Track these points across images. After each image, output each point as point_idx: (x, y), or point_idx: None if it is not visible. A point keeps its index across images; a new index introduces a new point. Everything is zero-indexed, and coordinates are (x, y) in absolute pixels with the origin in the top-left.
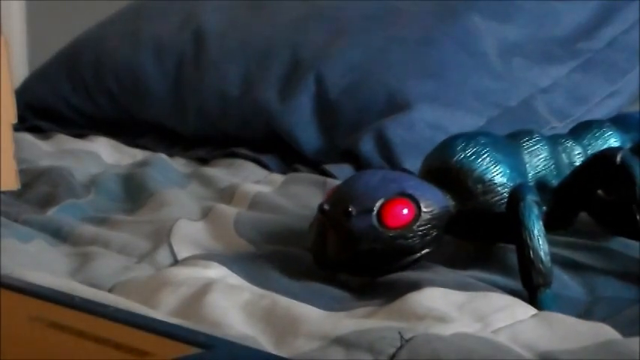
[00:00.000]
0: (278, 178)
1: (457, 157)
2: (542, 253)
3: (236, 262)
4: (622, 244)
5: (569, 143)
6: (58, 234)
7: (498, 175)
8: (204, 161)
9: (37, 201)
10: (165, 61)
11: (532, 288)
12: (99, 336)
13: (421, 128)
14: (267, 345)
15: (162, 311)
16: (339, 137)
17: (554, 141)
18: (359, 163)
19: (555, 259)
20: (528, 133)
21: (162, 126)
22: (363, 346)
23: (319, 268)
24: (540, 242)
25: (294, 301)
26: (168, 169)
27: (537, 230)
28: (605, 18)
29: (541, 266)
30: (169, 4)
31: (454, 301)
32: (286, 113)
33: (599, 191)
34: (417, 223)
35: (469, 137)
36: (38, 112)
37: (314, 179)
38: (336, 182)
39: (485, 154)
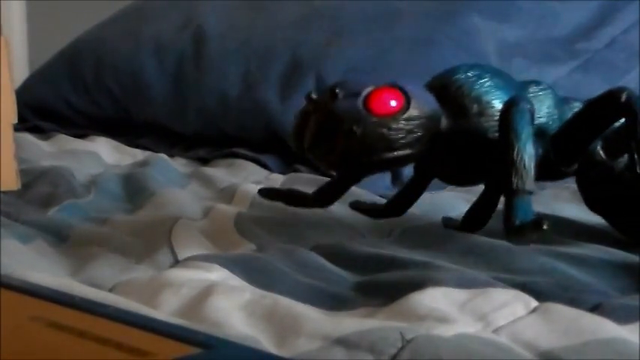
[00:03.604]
0: (278, 178)
1: (459, 75)
2: (526, 157)
3: (237, 263)
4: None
5: (578, 104)
6: (59, 234)
7: (497, 100)
8: (204, 161)
9: (37, 201)
10: (166, 61)
11: (511, 192)
12: (99, 336)
13: None
14: (268, 345)
15: (163, 312)
16: None
17: (562, 98)
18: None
19: (560, 255)
20: (537, 82)
21: (163, 126)
22: (364, 346)
23: (296, 152)
24: (527, 146)
25: (295, 301)
26: (168, 169)
27: (526, 134)
28: (604, 18)
29: (523, 170)
30: (169, 4)
31: (455, 300)
32: (286, 113)
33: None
34: (404, 116)
35: (478, 65)
36: (38, 112)
37: (314, 179)
38: None
39: (488, 79)
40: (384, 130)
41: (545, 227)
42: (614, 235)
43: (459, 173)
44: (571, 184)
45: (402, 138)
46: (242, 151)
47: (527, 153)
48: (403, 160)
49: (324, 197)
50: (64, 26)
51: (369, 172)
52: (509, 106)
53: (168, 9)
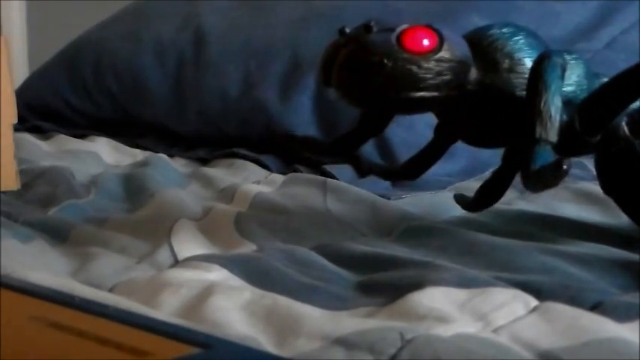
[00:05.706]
0: (278, 178)
1: (493, 30)
2: (552, 108)
3: (237, 263)
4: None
5: (606, 79)
6: (58, 234)
7: (528, 59)
8: (204, 161)
9: (37, 201)
10: (166, 61)
11: (533, 140)
12: (99, 336)
13: (421, 128)
14: (267, 345)
15: (163, 312)
16: None
17: (595, 73)
18: (359, 163)
19: (561, 254)
20: (569, 51)
21: (163, 126)
22: (363, 346)
23: (323, 85)
24: (554, 98)
25: (295, 301)
26: (168, 169)
27: (555, 86)
28: (604, 18)
29: (548, 120)
30: (169, 4)
31: (455, 299)
32: (286, 113)
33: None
34: (435, 57)
35: (513, 23)
36: (38, 112)
37: (314, 179)
38: (336, 182)
39: (522, 37)
40: (414, 67)
41: (565, 167)
42: (614, 234)
43: (483, 133)
44: (570, 184)
45: (430, 78)
46: (242, 151)
47: (555, 104)
48: (428, 103)
49: (346, 145)
50: (64, 26)
51: (393, 111)
52: (542, 58)
53: (168, 9)
